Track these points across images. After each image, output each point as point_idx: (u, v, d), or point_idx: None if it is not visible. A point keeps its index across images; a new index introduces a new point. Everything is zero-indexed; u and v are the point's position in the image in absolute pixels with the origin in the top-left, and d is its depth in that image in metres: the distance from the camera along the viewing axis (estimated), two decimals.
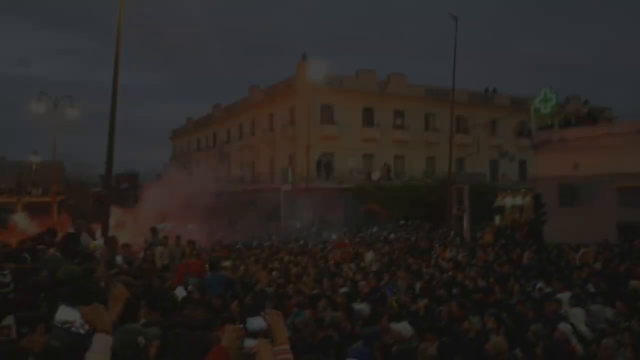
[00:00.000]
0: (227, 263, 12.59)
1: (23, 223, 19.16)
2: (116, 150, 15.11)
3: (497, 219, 30.86)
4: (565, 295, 8.44)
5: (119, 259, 9.32)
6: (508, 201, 40.04)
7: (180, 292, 7.01)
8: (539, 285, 9.77)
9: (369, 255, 14.75)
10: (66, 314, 2.93)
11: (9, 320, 3.23)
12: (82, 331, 2.90)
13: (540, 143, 25.46)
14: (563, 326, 6.43)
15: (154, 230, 15.57)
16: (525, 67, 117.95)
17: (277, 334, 2.86)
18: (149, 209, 18.22)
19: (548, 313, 7.50)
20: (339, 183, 34.22)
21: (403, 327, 6.08)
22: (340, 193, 31.74)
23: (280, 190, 33.63)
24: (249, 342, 3.15)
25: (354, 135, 37.23)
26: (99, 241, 7.40)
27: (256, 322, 2.98)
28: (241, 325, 2.93)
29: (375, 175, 35.82)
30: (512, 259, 14.95)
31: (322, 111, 36.73)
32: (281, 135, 38.30)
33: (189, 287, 8.07)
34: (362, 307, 7.44)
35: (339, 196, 31.00)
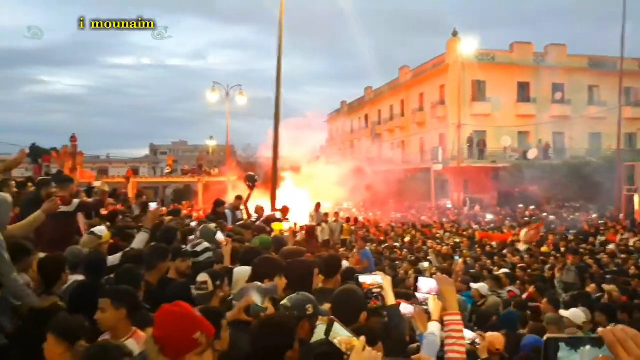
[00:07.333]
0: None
1: None
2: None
3: None
4: None
5: None
6: None
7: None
8: None
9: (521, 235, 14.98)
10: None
11: (204, 276, 3.63)
12: None
13: None
14: None
15: (318, 207, 16.83)
16: None
17: (449, 301, 2.65)
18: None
19: None
20: (492, 162, 33.31)
21: (574, 314, 5.90)
22: (494, 173, 30.93)
23: (431, 170, 33.73)
24: (406, 308, 3.20)
25: (508, 112, 35.72)
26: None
27: (427, 282, 3.00)
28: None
29: (532, 154, 34.18)
30: None
31: (474, 88, 35.83)
32: (431, 115, 38.14)
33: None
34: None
35: (493, 176, 30.23)
